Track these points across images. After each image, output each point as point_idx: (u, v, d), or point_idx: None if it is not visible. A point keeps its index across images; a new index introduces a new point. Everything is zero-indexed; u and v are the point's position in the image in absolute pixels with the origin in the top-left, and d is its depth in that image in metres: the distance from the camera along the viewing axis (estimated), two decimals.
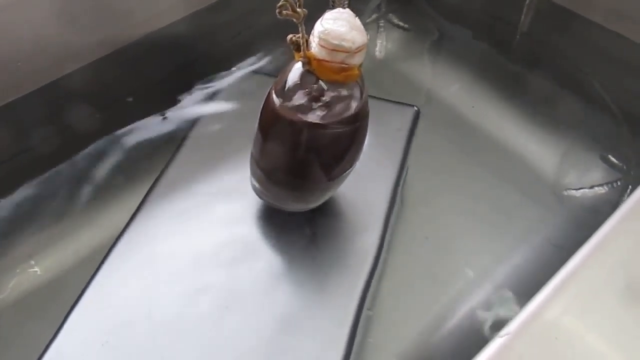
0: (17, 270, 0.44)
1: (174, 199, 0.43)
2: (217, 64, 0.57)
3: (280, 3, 0.31)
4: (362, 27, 0.32)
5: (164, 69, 0.58)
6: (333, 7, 0.49)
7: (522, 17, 0.62)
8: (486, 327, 0.41)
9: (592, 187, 0.49)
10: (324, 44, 0.31)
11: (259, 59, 0.56)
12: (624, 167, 0.49)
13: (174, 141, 0.48)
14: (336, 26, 0.31)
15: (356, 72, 0.33)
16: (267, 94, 0.35)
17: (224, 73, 0.55)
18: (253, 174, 0.40)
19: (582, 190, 0.49)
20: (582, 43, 0.60)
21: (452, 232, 0.46)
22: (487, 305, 0.42)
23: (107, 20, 0.53)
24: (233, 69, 0.55)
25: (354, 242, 0.41)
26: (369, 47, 0.61)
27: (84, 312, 0.37)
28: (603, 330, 0.30)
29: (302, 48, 0.33)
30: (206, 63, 0.58)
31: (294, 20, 0.32)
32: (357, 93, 0.35)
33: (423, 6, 0.66)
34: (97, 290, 0.38)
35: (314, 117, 0.34)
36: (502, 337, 0.29)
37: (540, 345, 0.29)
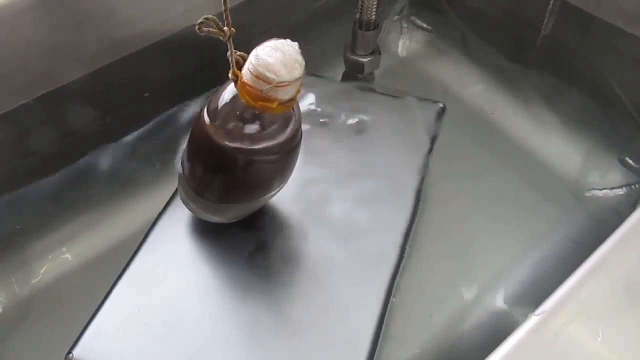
0: (49, 257, 0.45)
1: None
2: (228, 68, 0.57)
3: (200, 20, 0.30)
4: (297, 64, 0.31)
5: (176, 74, 0.58)
6: (362, 9, 0.50)
7: (545, 20, 0.62)
8: (507, 323, 0.41)
9: (611, 188, 0.49)
10: (251, 68, 0.31)
11: None
12: None
13: None
14: (268, 55, 0.30)
15: (274, 106, 0.32)
16: (199, 110, 0.35)
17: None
18: (180, 184, 0.40)
19: (602, 191, 0.49)
20: (603, 46, 0.61)
21: (474, 228, 0.47)
22: (507, 301, 0.42)
23: (117, 26, 0.54)
24: None
25: (378, 239, 0.42)
26: (391, 46, 0.62)
27: (121, 296, 0.38)
28: (623, 326, 0.30)
29: (231, 65, 0.32)
30: (217, 68, 0.59)
31: (220, 38, 0.31)
32: (288, 124, 0.34)
33: (445, 8, 0.66)
34: (136, 272, 0.39)
35: (239, 141, 0.33)
36: (537, 315, 0.29)
37: (575, 323, 0.29)
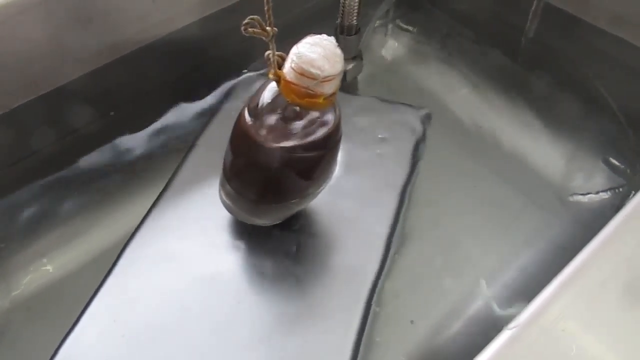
0: (31, 269, 0.45)
1: (185, 199, 0.44)
2: (229, 67, 0.58)
3: (246, 20, 0.31)
4: (338, 58, 0.31)
5: (175, 73, 0.58)
6: (343, 14, 0.50)
7: (528, 22, 0.62)
8: (493, 327, 0.41)
9: (597, 192, 0.49)
10: (294, 66, 0.31)
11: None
12: (628, 172, 0.50)
13: (186, 144, 0.49)
14: (310, 51, 0.31)
15: (320, 101, 0.32)
16: (240, 111, 0.35)
17: (234, 77, 0.56)
18: (222, 186, 0.40)
19: (587, 195, 0.49)
20: (587, 48, 0.61)
21: (459, 232, 0.46)
22: (494, 305, 0.42)
23: (124, 22, 0.54)
24: (244, 71, 0.56)
25: (362, 242, 0.42)
26: (377, 50, 0.62)
27: (100, 308, 0.38)
28: (605, 326, 0.30)
29: (272, 66, 0.32)
30: (217, 66, 0.59)
31: (263, 38, 0.32)
32: (329, 120, 0.35)
33: (431, 11, 0.66)
34: (113, 286, 0.39)
35: (282, 140, 0.34)
36: (510, 329, 0.29)
37: (547, 337, 0.29)
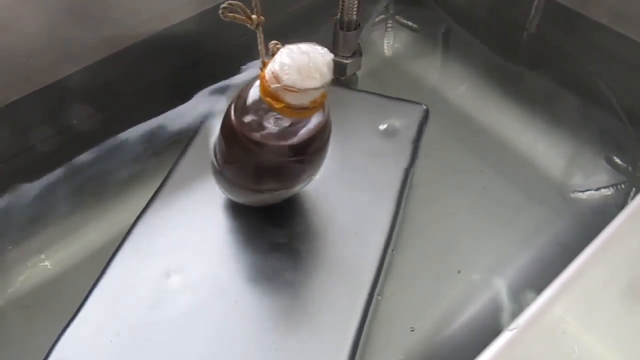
0: (28, 264, 0.44)
1: (182, 196, 0.43)
2: (225, 63, 0.57)
3: (224, 4, 0.30)
4: (317, 74, 0.30)
5: (172, 68, 0.58)
6: (343, 9, 0.50)
7: (530, 18, 0.62)
8: (492, 326, 0.41)
9: (597, 188, 0.49)
10: (273, 62, 0.30)
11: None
12: (629, 169, 0.50)
13: (183, 140, 0.49)
14: (291, 55, 0.30)
15: (278, 107, 0.31)
16: (228, 104, 0.35)
17: (231, 72, 0.56)
18: (214, 172, 0.40)
19: (587, 192, 0.49)
20: (588, 44, 0.61)
21: (459, 231, 0.46)
22: (493, 304, 0.42)
23: (119, 17, 0.54)
24: (242, 67, 0.55)
25: (359, 240, 0.41)
26: (376, 46, 0.62)
27: (94, 307, 0.38)
28: (608, 326, 0.30)
29: (260, 54, 0.32)
30: (214, 62, 0.59)
31: (248, 26, 0.31)
32: (315, 123, 0.34)
33: (431, 6, 0.66)
34: (107, 285, 0.39)
35: (261, 135, 0.33)
36: (511, 330, 0.29)
37: (548, 339, 0.29)
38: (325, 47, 0.54)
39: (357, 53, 0.54)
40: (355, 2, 0.49)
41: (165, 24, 0.56)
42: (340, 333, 0.37)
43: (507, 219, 0.47)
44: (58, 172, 0.50)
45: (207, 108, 0.52)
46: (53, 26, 0.50)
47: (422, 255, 0.45)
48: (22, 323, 0.42)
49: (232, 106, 0.34)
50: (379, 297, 0.41)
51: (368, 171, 0.45)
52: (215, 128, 0.48)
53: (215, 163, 0.39)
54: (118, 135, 0.52)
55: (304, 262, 0.40)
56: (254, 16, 0.31)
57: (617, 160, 0.51)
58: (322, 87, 0.30)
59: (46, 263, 0.45)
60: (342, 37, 0.52)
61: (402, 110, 0.50)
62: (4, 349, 0.40)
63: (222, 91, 0.54)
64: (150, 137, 0.52)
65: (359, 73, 0.56)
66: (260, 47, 0.32)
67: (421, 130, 0.48)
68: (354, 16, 0.51)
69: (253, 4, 0.31)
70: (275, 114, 0.32)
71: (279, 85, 0.30)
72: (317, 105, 0.32)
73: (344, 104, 0.50)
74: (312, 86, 0.30)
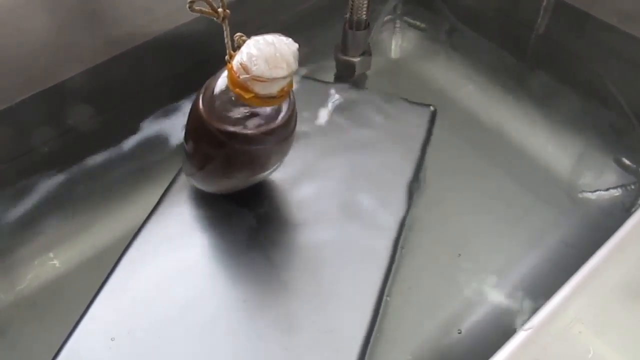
0: (36, 263, 0.45)
1: (191, 196, 0.43)
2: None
3: None
4: (283, 64, 0.30)
5: (177, 69, 0.58)
6: (352, 9, 0.50)
7: (539, 18, 0.62)
8: (501, 327, 0.41)
9: (607, 189, 0.49)
10: (240, 54, 0.31)
11: None
12: (639, 170, 0.50)
13: None
14: (258, 46, 0.30)
15: (247, 97, 0.31)
16: (196, 94, 0.35)
17: None
18: (183, 158, 0.41)
19: (596, 193, 0.49)
20: (597, 45, 0.60)
21: (467, 231, 0.46)
22: (501, 305, 0.42)
23: (117, 21, 0.54)
24: None
25: (370, 240, 0.42)
26: (385, 46, 0.62)
27: (103, 307, 0.38)
28: (621, 328, 0.30)
29: (227, 47, 0.32)
30: (220, 63, 0.59)
31: (214, 19, 0.32)
32: (279, 113, 0.35)
33: (439, 7, 0.66)
34: (116, 284, 0.39)
35: (228, 125, 0.34)
36: (525, 330, 0.29)
37: (562, 340, 0.29)
38: (334, 46, 0.54)
39: (366, 53, 0.54)
40: (365, 2, 0.49)
41: (170, 25, 0.56)
42: (351, 333, 0.37)
43: (516, 219, 0.47)
44: (67, 171, 0.50)
45: None
46: (56, 28, 0.50)
47: (432, 254, 0.45)
48: (30, 321, 0.42)
49: (200, 97, 0.35)
50: (388, 299, 0.41)
51: (376, 172, 0.46)
52: None
53: (185, 156, 0.40)
54: (124, 135, 0.52)
55: (313, 263, 0.40)
56: (220, 9, 0.31)
57: (626, 161, 0.50)
58: (289, 76, 0.31)
59: (55, 262, 0.45)
60: (351, 36, 0.52)
61: (410, 112, 0.50)
62: (14, 347, 0.40)
63: None
64: (157, 138, 0.52)
65: (367, 73, 0.56)
66: (227, 39, 0.32)
67: (429, 131, 0.48)
68: (364, 16, 0.51)
69: None
70: (243, 104, 0.33)
71: (247, 76, 0.30)
72: (284, 94, 0.33)
73: (352, 104, 0.50)
74: (280, 75, 0.31)
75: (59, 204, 0.48)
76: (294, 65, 0.31)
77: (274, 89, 0.32)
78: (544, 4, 0.61)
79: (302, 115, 0.48)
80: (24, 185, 0.49)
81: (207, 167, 0.38)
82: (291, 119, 0.35)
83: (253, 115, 0.34)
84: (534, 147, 0.52)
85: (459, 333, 0.40)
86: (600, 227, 0.45)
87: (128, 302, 0.38)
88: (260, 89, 0.31)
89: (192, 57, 0.58)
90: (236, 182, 0.41)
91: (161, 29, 0.56)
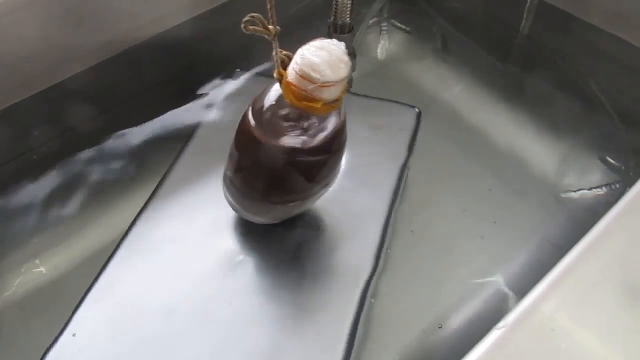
0: (22, 270, 0.44)
1: (178, 199, 0.44)
2: (221, 66, 0.57)
3: (246, 18, 0.30)
4: (343, 64, 0.31)
5: (168, 71, 0.58)
6: (336, 12, 0.50)
7: (523, 20, 0.62)
8: (487, 327, 0.41)
9: (590, 188, 0.49)
10: (296, 68, 0.31)
11: (262, 62, 0.56)
12: (622, 169, 0.50)
13: (179, 142, 0.49)
14: (314, 54, 0.30)
15: (318, 106, 0.32)
16: (244, 110, 0.35)
17: (227, 75, 0.56)
18: (225, 183, 0.40)
19: (581, 192, 0.49)
20: (581, 46, 0.61)
21: (452, 231, 0.46)
22: (487, 304, 0.42)
23: (110, 23, 0.54)
24: (237, 70, 0.56)
25: (354, 241, 0.42)
26: (371, 49, 0.62)
27: (88, 312, 0.38)
28: (597, 324, 0.30)
29: (276, 65, 0.32)
30: (209, 65, 0.59)
31: (266, 37, 0.31)
32: (332, 124, 0.34)
33: (425, 9, 0.66)
34: (105, 286, 0.39)
35: (283, 141, 0.33)
36: (499, 329, 0.29)
37: (537, 337, 0.29)
38: None
39: (350, 55, 0.54)
40: (348, 6, 0.50)
41: (159, 29, 0.57)
42: (334, 334, 0.37)
43: (501, 219, 0.47)
44: (52, 177, 0.50)
45: (201, 112, 0.53)
46: (50, 31, 0.50)
47: (417, 255, 0.45)
48: (17, 327, 0.42)
49: (249, 115, 0.34)
50: (372, 301, 0.41)
51: (361, 173, 0.46)
52: (210, 131, 0.48)
53: (230, 185, 0.39)
54: (112, 140, 0.52)
55: (297, 263, 0.40)
56: (270, 27, 0.31)
57: (611, 160, 0.51)
58: (349, 74, 0.31)
59: (41, 268, 0.45)
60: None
61: (395, 113, 0.50)
62: (0, 351, 0.40)
63: (216, 95, 0.54)
64: (146, 142, 0.52)
65: (353, 75, 0.56)
66: (276, 57, 0.32)
67: (414, 133, 0.49)
68: (347, 19, 0.51)
69: (269, 15, 0.31)
70: (297, 117, 0.33)
71: (315, 85, 0.30)
72: (344, 93, 0.33)
73: None
74: (344, 75, 0.31)
75: (44, 211, 0.48)
76: (349, 62, 0.31)
77: (338, 92, 0.32)
78: (527, 5, 0.61)
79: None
80: (10, 192, 0.49)
81: (256, 191, 0.38)
82: (343, 129, 0.35)
83: (306, 128, 0.34)
84: (518, 147, 0.53)
85: (440, 327, 0.40)
86: (585, 226, 0.45)
87: (113, 307, 0.38)
88: (328, 95, 0.31)
89: (180, 61, 0.58)
90: (280, 209, 0.40)
91: (149, 34, 0.57)
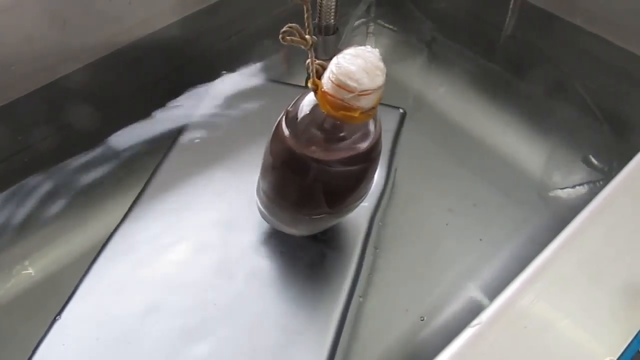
0: (12, 272, 0.45)
1: (164, 201, 0.44)
2: (208, 67, 0.58)
3: (284, 29, 0.30)
4: (379, 71, 0.30)
5: (156, 72, 0.58)
6: (320, 14, 0.50)
7: (507, 20, 0.62)
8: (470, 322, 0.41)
9: (574, 186, 0.49)
10: (332, 77, 0.30)
11: (250, 63, 0.57)
12: (605, 169, 0.50)
13: (165, 144, 0.49)
14: (349, 63, 0.29)
15: (356, 115, 0.31)
16: (277, 121, 0.34)
17: (212, 77, 0.56)
18: (258, 195, 0.39)
19: (565, 190, 0.49)
20: (565, 45, 0.61)
21: (439, 232, 0.47)
22: (473, 303, 0.43)
23: (100, 24, 0.54)
24: (223, 72, 0.56)
25: (339, 241, 0.42)
26: None
27: (73, 313, 0.38)
28: (571, 319, 0.31)
29: (311, 75, 0.31)
30: (197, 67, 0.59)
31: (302, 47, 0.31)
32: (369, 134, 0.33)
33: (411, 9, 0.66)
34: (90, 287, 0.39)
35: (320, 152, 0.33)
36: (473, 326, 0.29)
37: (511, 333, 0.29)
38: (306, 51, 0.55)
39: None
40: (333, 7, 0.50)
41: (145, 31, 0.57)
42: (319, 334, 0.37)
43: (487, 218, 0.48)
44: (39, 180, 0.50)
45: (188, 113, 0.53)
46: (35, 35, 0.50)
47: (404, 254, 0.45)
48: (6, 329, 0.42)
49: (283, 125, 0.34)
50: (361, 299, 0.41)
51: None
52: (195, 133, 0.48)
53: (263, 196, 0.38)
54: (99, 143, 0.53)
55: (281, 262, 0.41)
56: (307, 37, 0.31)
57: (594, 159, 0.51)
58: (385, 81, 0.31)
59: (30, 271, 0.45)
60: (320, 41, 0.53)
61: (379, 114, 0.50)
62: None
63: (203, 95, 0.54)
64: (131, 144, 0.53)
65: None
66: (312, 67, 0.31)
67: (398, 133, 0.49)
68: (332, 21, 0.51)
69: (306, 24, 0.31)
70: (328, 127, 0.32)
71: (353, 94, 0.30)
72: (380, 99, 0.32)
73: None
74: (381, 82, 0.30)
75: (33, 212, 0.48)
76: (385, 69, 0.30)
77: (375, 100, 0.31)
78: (511, 5, 0.62)
79: (271, 118, 0.49)
80: None
81: (289, 202, 0.37)
82: (379, 140, 0.35)
83: (342, 138, 0.33)
84: (503, 146, 0.53)
85: (422, 320, 0.41)
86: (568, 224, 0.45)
87: (97, 309, 0.38)
88: (365, 103, 0.30)
89: (168, 62, 0.58)
90: (317, 221, 0.39)
91: (138, 35, 0.57)
